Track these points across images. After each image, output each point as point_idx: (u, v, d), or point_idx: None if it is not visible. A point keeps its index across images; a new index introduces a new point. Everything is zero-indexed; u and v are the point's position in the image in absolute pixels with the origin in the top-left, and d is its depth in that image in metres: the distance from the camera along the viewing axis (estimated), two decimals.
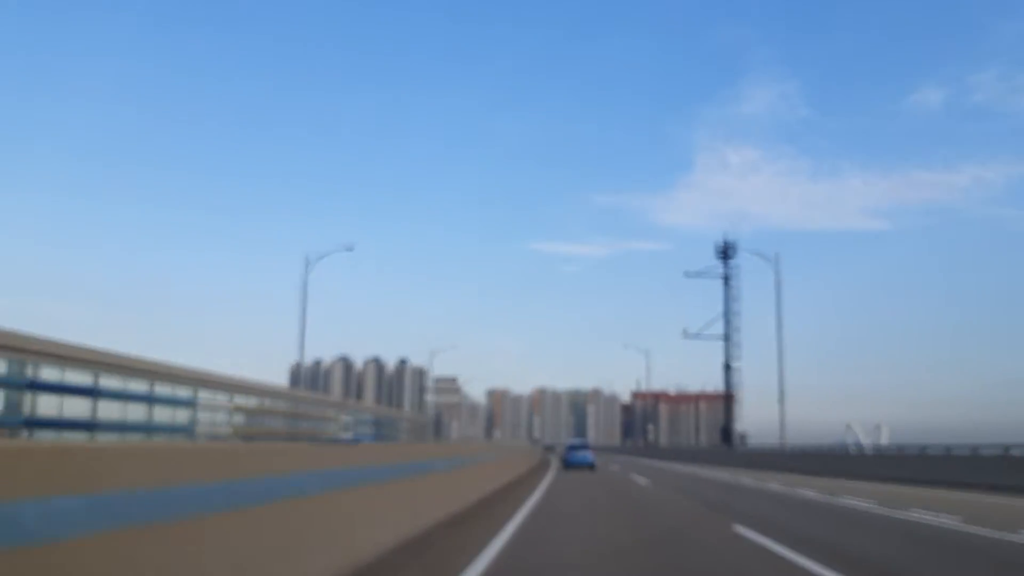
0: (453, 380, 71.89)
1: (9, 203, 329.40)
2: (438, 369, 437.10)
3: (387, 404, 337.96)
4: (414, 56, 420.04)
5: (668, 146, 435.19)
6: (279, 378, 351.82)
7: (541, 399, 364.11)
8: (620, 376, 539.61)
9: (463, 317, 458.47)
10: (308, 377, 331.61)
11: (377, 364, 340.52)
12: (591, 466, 34.65)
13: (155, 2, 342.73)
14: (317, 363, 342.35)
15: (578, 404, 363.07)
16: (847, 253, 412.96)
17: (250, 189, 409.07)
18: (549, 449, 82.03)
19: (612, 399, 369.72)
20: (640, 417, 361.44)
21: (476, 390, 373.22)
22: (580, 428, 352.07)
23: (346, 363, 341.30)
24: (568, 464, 35.41)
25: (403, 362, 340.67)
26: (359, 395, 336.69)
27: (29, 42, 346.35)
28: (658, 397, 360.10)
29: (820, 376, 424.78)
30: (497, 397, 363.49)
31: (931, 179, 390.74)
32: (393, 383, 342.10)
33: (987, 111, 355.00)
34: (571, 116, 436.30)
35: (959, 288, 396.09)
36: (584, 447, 37.15)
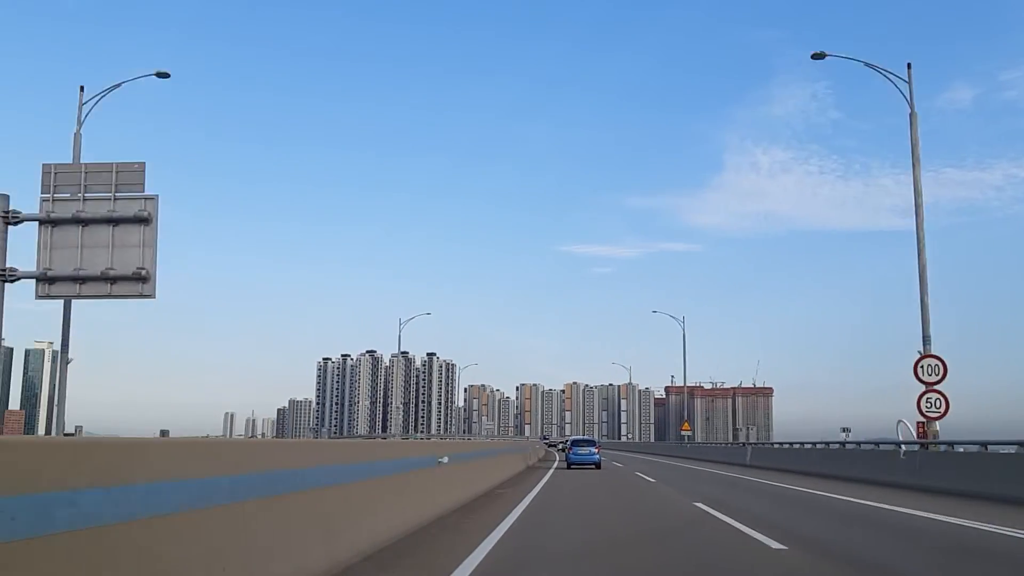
0: None
1: None
2: (470, 363, 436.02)
3: (415, 397, 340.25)
4: (446, 59, 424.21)
5: (699, 148, 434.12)
6: (307, 374, 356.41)
7: (573, 394, 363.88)
8: (653, 373, 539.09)
9: (496, 316, 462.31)
10: (336, 373, 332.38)
11: (405, 358, 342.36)
12: (596, 465, 33.33)
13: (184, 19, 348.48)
14: (344, 358, 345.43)
15: (611, 399, 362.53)
16: (876, 252, 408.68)
17: (286, 190, 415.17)
18: (552, 445, 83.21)
19: (646, 393, 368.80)
20: (675, 412, 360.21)
21: (507, 385, 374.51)
22: (613, 424, 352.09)
23: (373, 357, 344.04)
24: (572, 463, 33.72)
25: (431, 355, 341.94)
26: (386, 389, 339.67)
27: (52, 64, 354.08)
28: (693, 391, 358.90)
29: (857, 372, 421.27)
30: (527, 392, 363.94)
31: (963, 177, 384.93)
32: (421, 376, 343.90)
33: (1019, 108, 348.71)
34: (602, 119, 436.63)
35: (991, 285, 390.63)
36: (589, 443, 35.48)
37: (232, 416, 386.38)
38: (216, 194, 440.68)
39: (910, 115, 26.47)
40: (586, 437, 45.97)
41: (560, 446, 69.19)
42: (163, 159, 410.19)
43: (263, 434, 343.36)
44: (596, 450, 34.19)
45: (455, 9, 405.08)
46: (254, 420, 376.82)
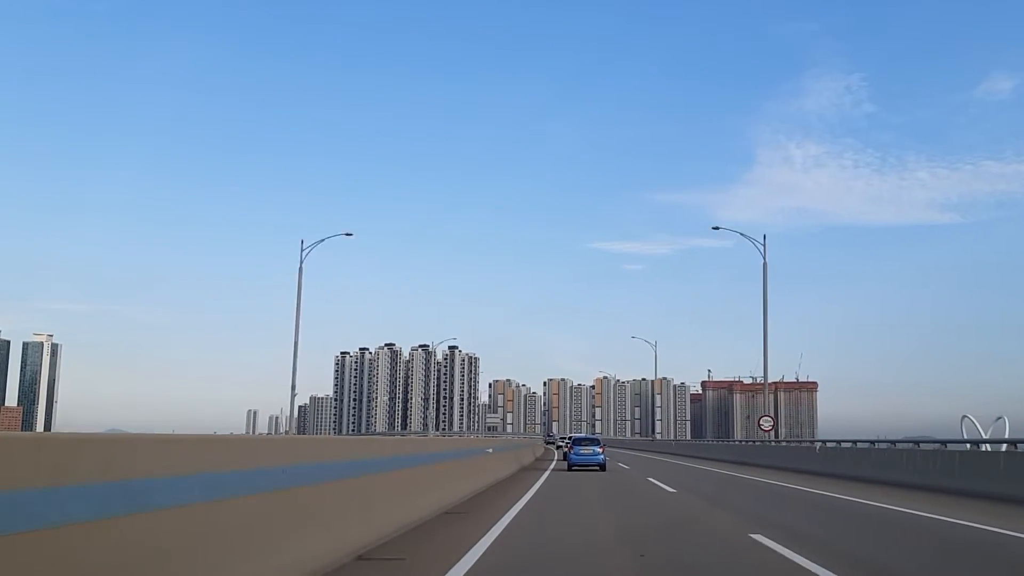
0: None
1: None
2: (493, 362, 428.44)
3: (436, 392, 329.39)
4: (473, 60, 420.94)
5: (730, 143, 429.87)
6: (325, 368, 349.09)
7: (603, 389, 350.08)
8: (689, 368, 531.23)
9: (524, 314, 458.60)
10: (354, 367, 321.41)
11: (425, 351, 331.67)
12: (601, 466, 31.15)
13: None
14: (363, 351, 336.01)
15: (643, 395, 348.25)
16: (914, 247, 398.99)
17: (322, 181, 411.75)
18: (550, 443, 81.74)
19: (681, 389, 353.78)
20: (713, 409, 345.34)
21: (534, 381, 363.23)
22: (646, 421, 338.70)
23: (392, 351, 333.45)
24: (573, 464, 31.41)
25: (453, 348, 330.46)
26: (406, 383, 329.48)
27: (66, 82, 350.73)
28: (732, 386, 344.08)
29: (906, 368, 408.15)
30: (555, 387, 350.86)
31: (1002, 170, 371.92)
32: (442, 371, 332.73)
33: None
34: (632, 115, 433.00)
35: None
36: (593, 442, 33.26)
37: (255, 413, 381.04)
38: (241, 194, 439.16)
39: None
40: (589, 435, 46.69)
41: (558, 444, 66.22)
42: (177, 158, 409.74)
43: (287, 431, 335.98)
44: (600, 450, 32.08)
45: (478, 10, 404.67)
46: (277, 417, 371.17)
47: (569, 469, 30.88)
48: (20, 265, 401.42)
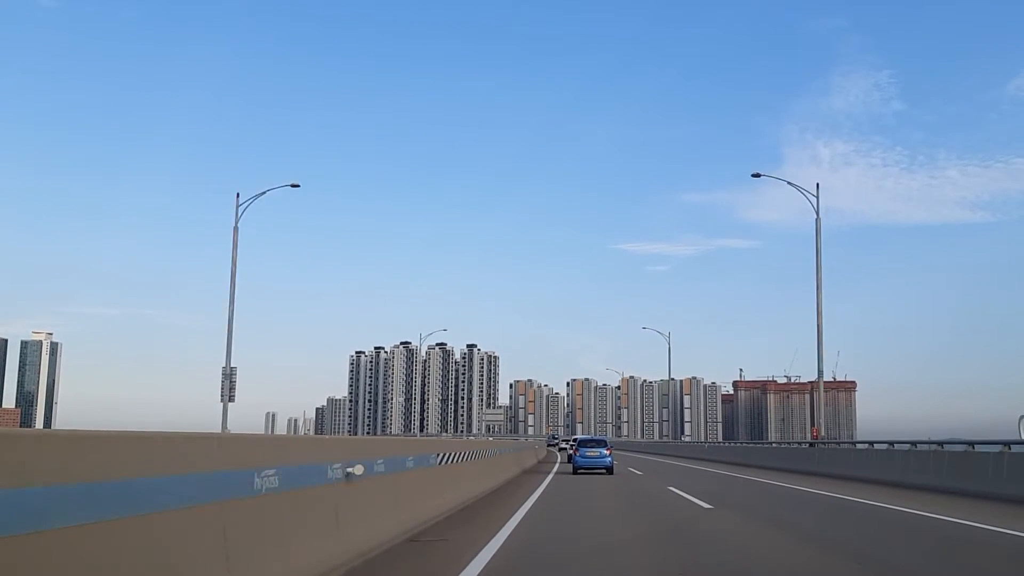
0: None
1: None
2: (516, 363, 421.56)
3: (454, 393, 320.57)
4: (503, 55, 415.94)
5: (757, 142, 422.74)
6: (339, 367, 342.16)
7: (629, 389, 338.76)
8: (720, 367, 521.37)
9: (548, 315, 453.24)
10: (369, 367, 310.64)
11: (443, 350, 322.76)
12: (608, 469, 31.13)
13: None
14: (378, 351, 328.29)
15: (672, 395, 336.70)
16: (945, 246, 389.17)
17: (347, 176, 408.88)
18: (552, 445, 79.55)
19: (712, 389, 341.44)
20: (744, 410, 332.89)
21: (557, 382, 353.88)
22: (675, 423, 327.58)
23: (408, 349, 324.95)
24: (579, 467, 31.43)
25: (471, 347, 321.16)
26: (423, 383, 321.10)
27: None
28: (765, 386, 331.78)
29: (949, 369, 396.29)
30: (579, 388, 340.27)
31: None
32: (461, 370, 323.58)
33: None
34: (657, 114, 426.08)
35: None
36: (600, 444, 33.32)
37: (274, 416, 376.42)
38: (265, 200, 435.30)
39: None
40: (596, 436, 47.12)
41: (561, 446, 64.53)
42: (193, 164, 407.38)
43: (306, 432, 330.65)
44: (607, 452, 31.99)
45: (501, 12, 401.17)
46: (296, 420, 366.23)
47: (575, 472, 31.06)
48: (46, 270, 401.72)
